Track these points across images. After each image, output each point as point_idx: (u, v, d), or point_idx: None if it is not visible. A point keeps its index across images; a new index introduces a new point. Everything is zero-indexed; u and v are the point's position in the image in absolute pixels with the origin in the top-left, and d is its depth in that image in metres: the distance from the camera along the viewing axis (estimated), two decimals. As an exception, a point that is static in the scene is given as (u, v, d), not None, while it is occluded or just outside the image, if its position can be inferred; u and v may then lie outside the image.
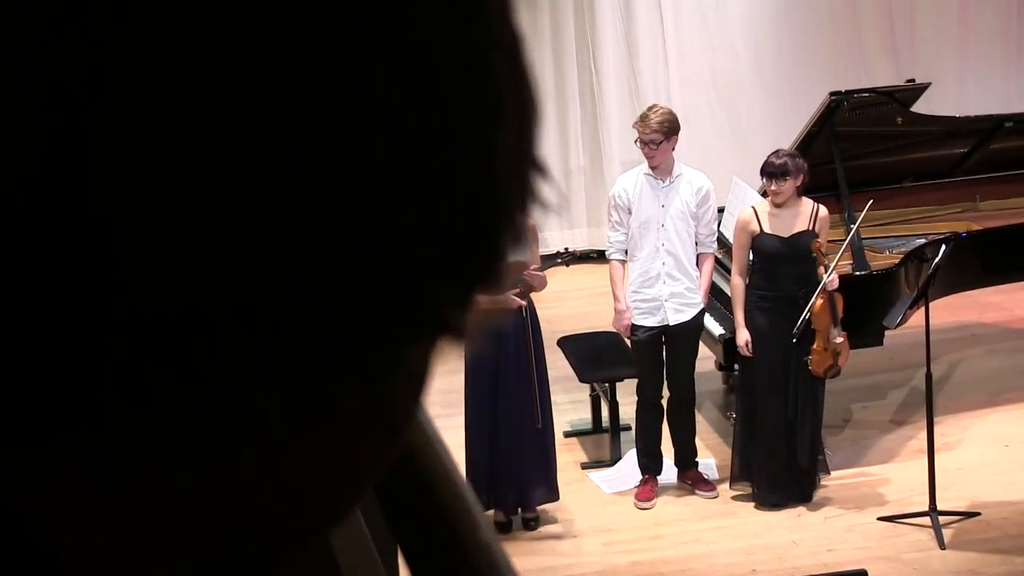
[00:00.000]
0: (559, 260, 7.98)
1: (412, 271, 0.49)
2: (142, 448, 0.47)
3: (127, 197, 0.44)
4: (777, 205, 7.79)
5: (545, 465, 7.83)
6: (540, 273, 7.53)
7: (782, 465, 7.91)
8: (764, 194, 8.39)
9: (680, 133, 8.06)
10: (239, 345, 0.46)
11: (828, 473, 8.24)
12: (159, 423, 0.47)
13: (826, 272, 7.67)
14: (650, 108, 8.12)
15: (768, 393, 7.82)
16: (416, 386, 0.55)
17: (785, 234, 7.74)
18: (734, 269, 7.92)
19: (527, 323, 7.54)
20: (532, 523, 7.91)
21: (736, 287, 7.89)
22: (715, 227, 8.11)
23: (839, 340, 7.73)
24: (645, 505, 8.14)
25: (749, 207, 7.97)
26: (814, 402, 7.88)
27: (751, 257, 7.88)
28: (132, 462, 0.47)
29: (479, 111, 0.50)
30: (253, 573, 0.54)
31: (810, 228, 7.75)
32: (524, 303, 7.46)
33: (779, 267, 7.75)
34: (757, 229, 7.78)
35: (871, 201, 8.40)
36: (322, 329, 0.48)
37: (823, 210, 7.88)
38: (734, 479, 8.13)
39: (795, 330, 7.65)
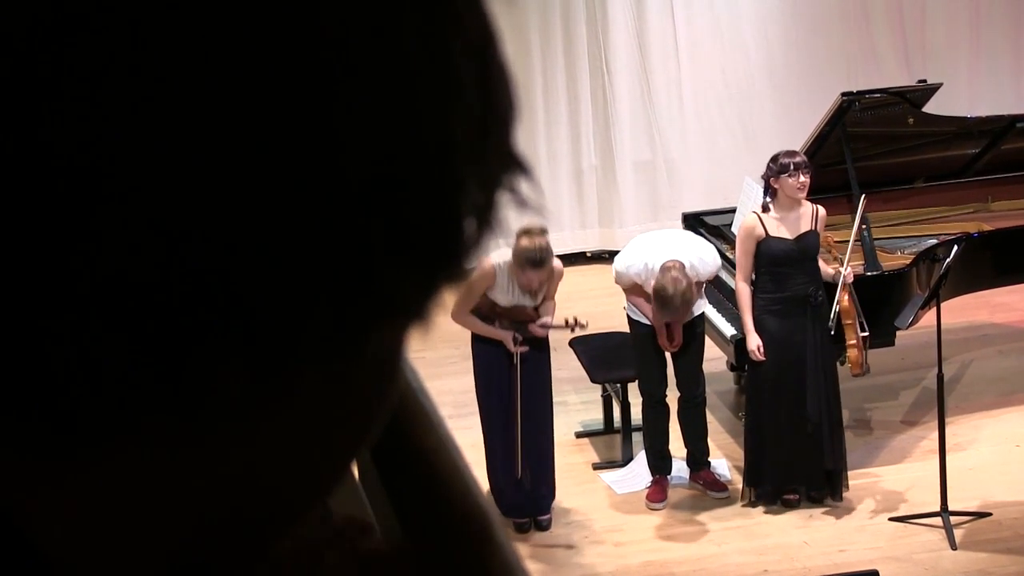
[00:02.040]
0: (564, 326, 7.76)
1: (372, 256, 0.49)
2: (99, 430, 0.47)
3: (86, 171, 0.45)
4: (800, 201, 7.75)
5: (541, 468, 7.85)
6: (546, 327, 7.52)
7: (795, 466, 7.89)
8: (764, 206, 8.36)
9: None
10: (197, 328, 0.46)
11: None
12: (116, 405, 0.47)
13: (842, 267, 7.68)
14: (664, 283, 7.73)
15: (781, 395, 7.81)
16: (385, 371, 0.55)
17: (792, 236, 7.74)
18: (739, 276, 7.89)
19: (515, 371, 7.53)
20: (544, 524, 7.91)
21: (742, 293, 7.87)
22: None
23: (865, 335, 7.75)
24: (656, 506, 8.14)
25: (752, 213, 7.95)
26: (836, 400, 7.87)
27: (759, 267, 7.87)
28: (91, 444, 0.48)
29: (438, 99, 0.50)
30: (234, 560, 0.55)
31: (813, 228, 7.75)
32: (516, 351, 7.48)
33: (789, 269, 7.74)
34: (763, 234, 7.77)
35: (864, 196, 8.39)
36: (280, 313, 0.48)
37: (822, 211, 7.88)
38: (747, 483, 8.09)
39: (830, 323, 7.67)
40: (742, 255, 7.86)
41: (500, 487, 7.72)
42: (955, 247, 8.26)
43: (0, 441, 0.47)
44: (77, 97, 0.44)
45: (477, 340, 7.67)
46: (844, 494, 7.99)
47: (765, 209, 7.83)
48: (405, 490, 0.86)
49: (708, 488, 8.23)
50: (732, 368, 9.28)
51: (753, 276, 7.87)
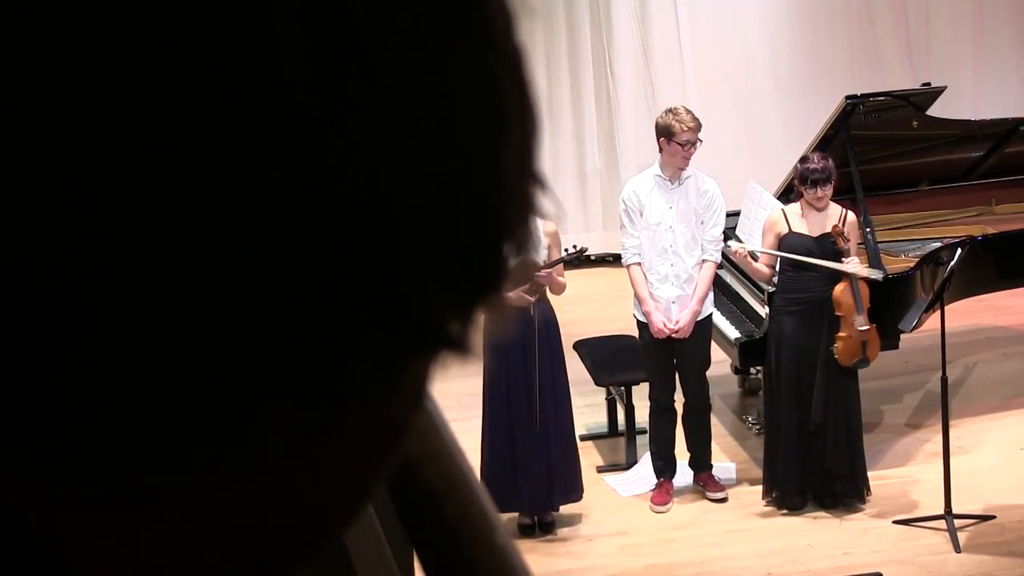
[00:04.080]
0: (565, 257, 7.93)
1: (413, 285, 0.49)
2: (145, 461, 0.47)
3: (117, 221, 0.44)
4: (819, 210, 7.77)
5: (565, 466, 7.83)
6: (549, 275, 7.53)
7: (804, 468, 7.89)
8: (781, 197, 8.39)
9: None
10: (242, 361, 0.46)
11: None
12: (162, 437, 0.47)
13: (845, 257, 7.68)
14: (677, 109, 8.05)
15: (789, 397, 7.80)
16: (416, 397, 0.55)
17: (814, 234, 7.75)
18: (760, 261, 7.92)
19: (535, 323, 7.54)
20: (548, 526, 7.91)
21: (760, 268, 7.87)
22: (719, 234, 8.01)
23: (864, 328, 7.71)
24: (660, 509, 8.14)
25: (778, 209, 7.97)
26: (846, 403, 7.86)
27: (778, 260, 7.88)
28: (135, 475, 0.47)
29: (484, 123, 0.50)
30: None
31: (840, 225, 7.74)
32: (532, 300, 7.47)
33: (807, 267, 7.74)
34: (785, 230, 7.78)
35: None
36: (324, 344, 0.47)
37: (851, 215, 7.87)
38: (766, 488, 8.07)
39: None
40: (764, 246, 7.89)
41: (496, 479, 7.68)
42: (959, 250, 8.25)
43: (48, 470, 0.47)
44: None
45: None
46: (866, 496, 7.98)
47: (782, 198, 7.88)
48: (409, 495, 0.86)
49: (706, 488, 8.23)
50: (736, 371, 9.28)
51: (776, 274, 7.87)
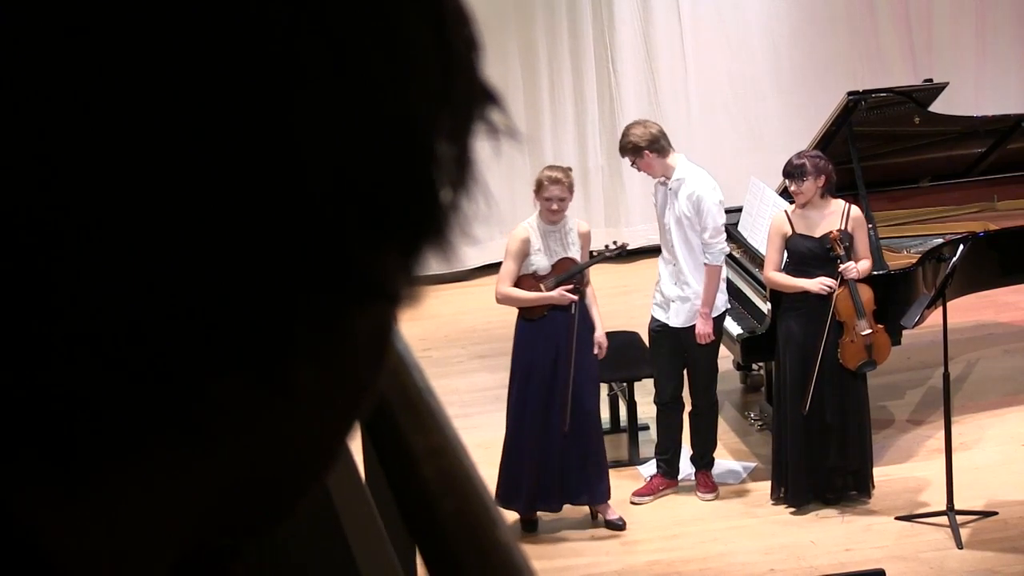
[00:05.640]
0: (607, 254, 8.05)
1: (348, 240, 0.49)
2: (99, 452, 0.48)
3: (63, 195, 0.45)
4: (800, 206, 7.78)
5: (593, 465, 7.85)
6: (589, 264, 7.65)
7: (811, 467, 7.88)
8: (782, 194, 8.40)
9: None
10: (183, 339, 0.47)
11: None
12: (113, 425, 0.47)
13: (842, 262, 7.65)
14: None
15: (796, 396, 7.79)
16: (375, 354, 0.55)
17: (816, 234, 7.74)
18: (767, 268, 7.90)
19: (575, 322, 7.56)
20: (619, 523, 7.92)
21: (775, 278, 7.83)
22: (708, 237, 7.93)
23: (867, 332, 7.70)
24: (639, 500, 8.12)
25: (782, 211, 7.97)
26: (856, 402, 7.85)
27: (786, 259, 7.86)
28: (91, 466, 0.48)
29: (393, 71, 0.49)
30: (234, 555, 0.55)
31: (843, 227, 7.73)
32: (575, 299, 7.51)
33: (811, 268, 7.74)
34: (790, 231, 7.79)
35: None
36: (265, 310, 0.48)
37: (855, 210, 7.86)
38: (774, 487, 8.05)
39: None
40: (771, 250, 7.89)
41: (519, 480, 7.68)
42: (961, 246, 8.26)
43: (15, 469, 0.48)
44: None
45: (522, 324, 7.67)
46: (871, 492, 7.99)
47: (783, 195, 7.88)
48: (411, 491, 0.87)
49: (698, 488, 8.21)
50: (739, 367, 9.27)
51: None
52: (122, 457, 0.48)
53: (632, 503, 8.13)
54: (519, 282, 7.56)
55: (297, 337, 0.49)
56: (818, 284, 7.68)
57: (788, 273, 7.83)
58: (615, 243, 8.14)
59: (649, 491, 8.21)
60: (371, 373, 0.55)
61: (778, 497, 8.00)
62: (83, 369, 0.46)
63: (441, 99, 0.51)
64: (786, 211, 7.93)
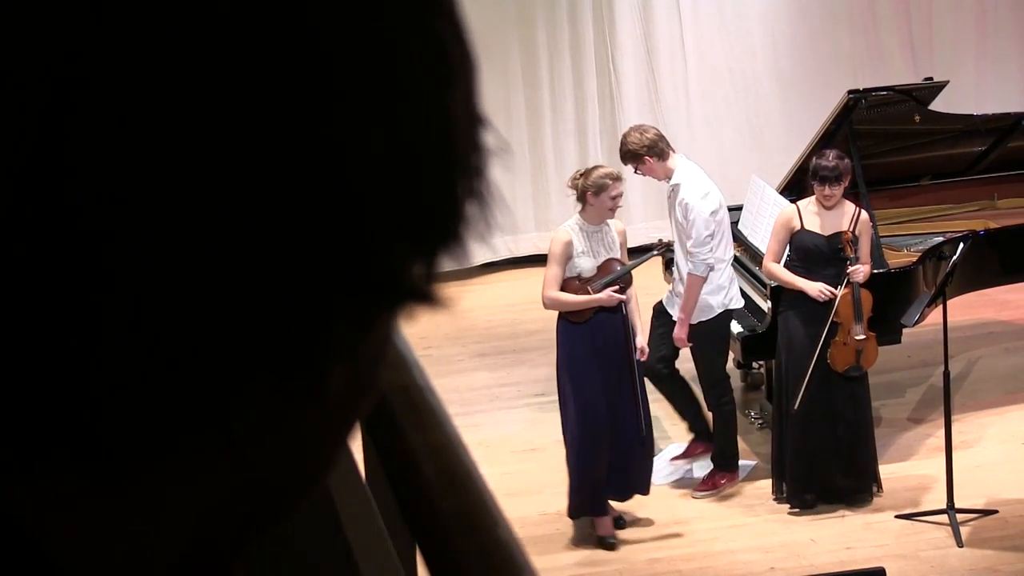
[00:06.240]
0: (655, 252, 8.05)
1: (380, 242, 0.50)
2: (133, 450, 0.48)
3: (109, 200, 0.45)
4: (828, 208, 7.74)
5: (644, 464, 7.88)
6: (637, 264, 7.65)
7: (812, 466, 7.88)
8: (783, 192, 8.38)
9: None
10: (226, 339, 0.47)
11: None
12: (148, 424, 0.48)
13: (851, 264, 7.64)
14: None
15: (794, 395, 7.79)
16: (381, 352, 0.56)
17: (825, 233, 7.73)
18: (767, 258, 7.87)
19: (626, 322, 7.56)
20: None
21: (775, 270, 7.81)
22: (691, 246, 7.84)
23: (860, 337, 7.69)
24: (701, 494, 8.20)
25: (792, 205, 7.95)
26: (857, 401, 7.85)
27: (788, 254, 7.84)
28: (125, 464, 0.48)
29: (434, 81, 0.51)
30: (235, 553, 0.56)
31: (851, 230, 7.71)
32: (624, 298, 7.49)
33: (815, 266, 7.72)
34: (798, 226, 7.77)
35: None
36: (307, 313, 0.48)
37: (864, 214, 7.85)
38: (775, 485, 8.05)
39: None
40: (775, 242, 7.86)
41: (594, 481, 7.66)
42: (961, 245, 8.26)
43: (41, 466, 0.48)
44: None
45: (567, 326, 7.63)
46: (876, 492, 7.99)
47: (783, 193, 7.85)
48: (411, 489, 0.87)
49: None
50: (739, 366, 9.27)
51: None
52: (152, 457, 0.49)
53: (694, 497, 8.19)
54: (563, 285, 7.50)
55: (335, 340, 0.50)
56: (818, 290, 7.66)
57: (795, 270, 7.80)
58: (660, 240, 8.13)
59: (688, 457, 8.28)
60: (378, 372, 0.56)
61: (779, 495, 8.00)
62: (125, 369, 0.47)
63: (469, 113, 0.53)
64: (797, 205, 7.90)
